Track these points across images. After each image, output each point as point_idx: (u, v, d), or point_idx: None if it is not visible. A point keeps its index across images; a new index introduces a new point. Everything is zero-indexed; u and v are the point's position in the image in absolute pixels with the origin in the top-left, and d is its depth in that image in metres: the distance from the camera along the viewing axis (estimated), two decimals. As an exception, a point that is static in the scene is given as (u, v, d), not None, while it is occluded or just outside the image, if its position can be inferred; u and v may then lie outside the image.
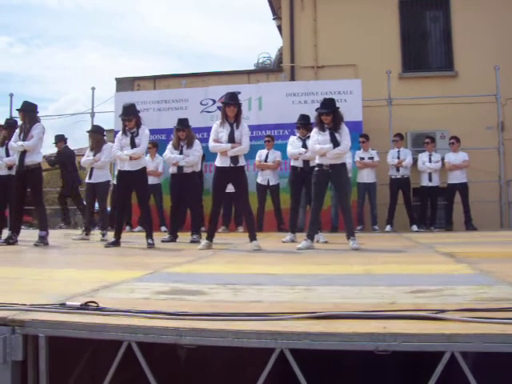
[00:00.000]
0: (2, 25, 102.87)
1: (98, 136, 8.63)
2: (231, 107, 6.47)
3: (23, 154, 7.01)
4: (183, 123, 8.08)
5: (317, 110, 6.64)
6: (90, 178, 8.49)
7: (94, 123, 11.08)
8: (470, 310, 2.28)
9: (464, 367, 1.98)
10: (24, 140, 7.02)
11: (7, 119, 8.73)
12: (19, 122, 7.62)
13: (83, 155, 8.97)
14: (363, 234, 9.18)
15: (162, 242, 7.54)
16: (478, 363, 2.14)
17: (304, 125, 7.79)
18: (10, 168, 8.13)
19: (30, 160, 7.03)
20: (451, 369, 1.99)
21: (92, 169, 8.48)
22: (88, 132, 9.08)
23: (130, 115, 6.92)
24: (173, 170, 8.09)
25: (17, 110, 7.41)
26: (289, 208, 7.96)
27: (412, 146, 11.51)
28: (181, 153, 7.92)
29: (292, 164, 7.87)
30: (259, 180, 10.24)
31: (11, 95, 13.06)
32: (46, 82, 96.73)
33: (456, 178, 10.15)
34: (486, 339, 1.94)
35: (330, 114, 6.46)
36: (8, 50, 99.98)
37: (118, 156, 7.03)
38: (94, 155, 8.42)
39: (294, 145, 7.76)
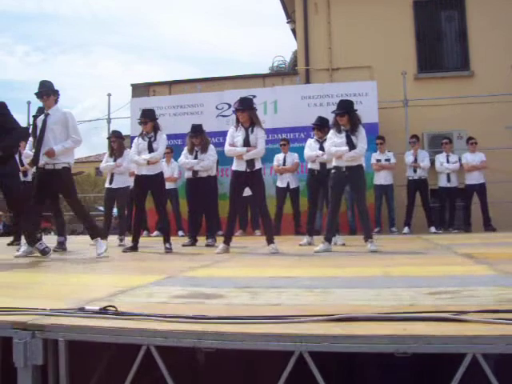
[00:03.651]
0: (19, 35, 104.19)
1: (121, 141, 8.63)
2: (239, 112, 6.52)
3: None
4: (197, 130, 8.07)
5: (333, 111, 6.64)
6: (110, 183, 8.49)
7: (111, 129, 11.10)
8: (492, 311, 2.25)
9: (486, 369, 1.95)
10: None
11: None
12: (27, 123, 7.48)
13: (101, 161, 9.02)
14: (381, 236, 9.13)
15: (183, 246, 7.58)
16: (500, 365, 2.10)
17: (318, 126, 7.72)
18: (24, 174, 8.12)
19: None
20: (470, 372, 1.96)
21: (113, 174, 8.47)
22: (109, 138, 9.04)
23: (146, 118, 6.96)
24: (188, 174, 8.14)
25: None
26: (306, 211, 7.93)
27: (429, 147, 11.41)
28: (195, 157, 7.95)
29: (309, 167, 7.85)
30: (279, 184, 10.18)
31: (29, 103, 13.15)
32: (63, 89, 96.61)
33: (474, 178, 10.06)
34: (508, 340, 1.90)
35: (343, 115, 6.42)
36: (24, 58, 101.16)
37: (135, 160, 7.05)
38: (115, 161, 8.43)
39: (311, 147, 7.73)
